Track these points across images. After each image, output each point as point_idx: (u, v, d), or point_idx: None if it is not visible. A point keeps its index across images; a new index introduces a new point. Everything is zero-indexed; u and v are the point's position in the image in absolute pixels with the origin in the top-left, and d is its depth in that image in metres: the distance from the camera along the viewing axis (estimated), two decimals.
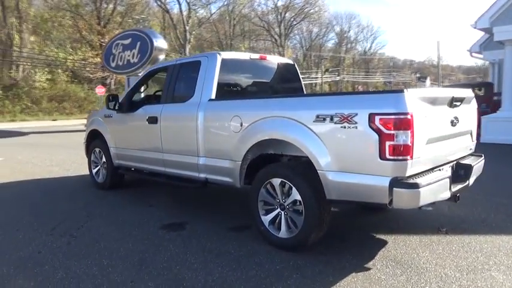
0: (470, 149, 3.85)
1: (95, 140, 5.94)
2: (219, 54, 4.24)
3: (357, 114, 2.87)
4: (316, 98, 3.54)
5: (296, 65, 5.21)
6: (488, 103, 12.27)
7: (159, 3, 43.76)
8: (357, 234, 3.87)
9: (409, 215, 4.42)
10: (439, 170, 3.20)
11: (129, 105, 5.14)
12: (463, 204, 4.83)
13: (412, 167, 2.81)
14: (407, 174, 2.79)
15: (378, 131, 2.77)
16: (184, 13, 43.01)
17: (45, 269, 3.17)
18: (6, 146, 12.24)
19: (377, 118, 2.77)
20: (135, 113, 4.99)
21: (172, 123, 4.50)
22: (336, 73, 59.10)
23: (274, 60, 4.99)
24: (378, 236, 3.80)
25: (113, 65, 16.67)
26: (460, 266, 3.13)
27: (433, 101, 2.98)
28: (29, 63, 33.25)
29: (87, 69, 35.75)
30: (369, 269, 3.10)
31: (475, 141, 3.93)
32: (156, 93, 5.41)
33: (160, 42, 15.55)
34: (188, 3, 43.14)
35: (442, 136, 3.16)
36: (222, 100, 4.04)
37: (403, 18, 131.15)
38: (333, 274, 3.01)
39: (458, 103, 3.29)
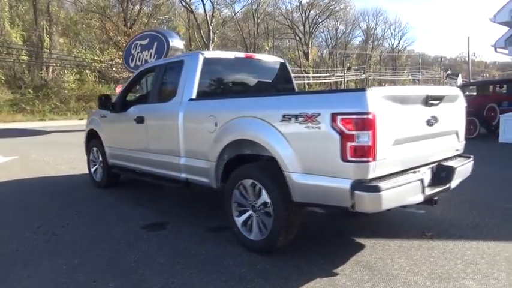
0: (457, 149, 3.65)
1: (93, 140, 6.05)
2: (201, 53, 4.21)
3: (319, 114, 2.77)
4: (282, 97, 3.44)
5: (287, 64, 5.11)
6: (511, 101, 11.70)
7: (183, 3, 44.32)
8: (336, 238, 3.75)
9: (397, 218, 4.25)
10: (414, 172, 3.05)
11: (122, 105, 5.20)
12: (459, 207, 4.64)
13: (376, 169, 2.68)
14: (370, 177, 2.66)
15: (339, 131, 2.66)
16: (209, 13, 43.36)
17: (16, 267, 3.24)
18: (25, 144, 12.70)
19: (338, 118, 2.66)
20: (125, 113, 5.04)
21: (156, 122, 4.51)
22: (362, 71, 57.97)
23: (263, 59, 4.91)
24: (358, 239, 3.67)
25: (132, 65, 17.05)
26: (434, 273, 2.97)
27: (402, 100, 2.83)
28: (58, 65, 34.42)
29: (114, 69, 36.67)
30: (336, 274, 2.99)
31: (463, 142, 3.72)
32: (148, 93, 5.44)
33: (176, 42, 15.77)
34: (212, 3, 43.52)
35: (415, 136, 3.00)
36: (200, 100, 4.01)
37: (433, 13, 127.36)
38: (297, 279, 2.92)
39: (435, 102, 3.12)
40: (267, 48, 51.95)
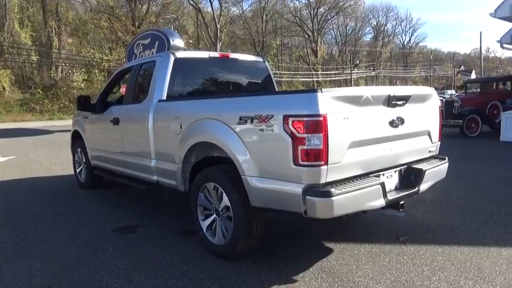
0: (430, 151, 3.51)
1: (78, 140, 6.03)
2: (172, 53, 4.14)
3: (272, 116, 2.68)
4: (239, 98, 3.34)
5: (267, 63, 5.01)
6: None
7: (191, 2, 44.36)
8: (306, 242, 3.65)
9: (373, 221, 4.13)
10: (377, 175, 2.94)
11: (101, 106, 5.16)
12: (443, 209, 4.51)
13: (330, 174, 2.58)
14: (324, 181, 2.56)
15: (291, 134, 2.56)
16: (216, 12, 43.32)
17: None
18: (26, 144, 12.82)
19: (290, 120, 2.56)
20: (104, 114, 5.00)
21: (130, 124, 4.46)
22: (371, 68, 57.35)
23: (240, 58, 4.82)
24: (328, 244, 3.56)
25: None
26: (397, 281, 2.85)
27: (359, 101, 2.71)
28: (67, 64, 34.80)
29: None
30: (295, 281, 2.90)
31: (437, 143, 3.58)
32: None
33: (177, 41, 15.54)
34: (220, 2, 43.46)
35: (377, 138, 2.88)
36: (168, 101, 3.94)
37: (445, 7, 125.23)
38: (254, 285, 2.84)
39: (400, 102, 2.99)
40: (275, 46, 51.72)
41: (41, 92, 32.20)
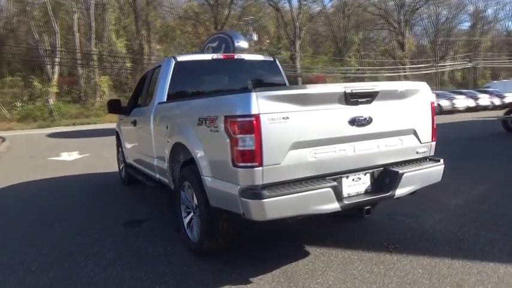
0: (418, 152, 3.18)
1: (119, 140, 6.59)
2: (174, 58, 4.34)
3: (217, 118, 2.70)
4: (199, 100, 3.36)
5: (277, 62, 4.96)
6: None
7: (271, 3, 44.96)
8: (285, 245, 3.55)
9: (372, 225, 3.88)
10: (337, 178, 2.78)
11: (128, 108, 5.58)
12: (461, 217, 4.08)
13: (268, 175, 2.51)
14: (259, 183, 2.50)
15: (229, 135, 2.56)
16: (296, 10, 43.30)
17: None
18: (104, 143, 14.19)
19: (228, 121, 2.56)
20: (129, 116, 5.41)
21: (141, 125, 4.77)
22: (468, 59, 52.20)
23: (247, 58, 4.84)
24: (308, 247, 3.44)
25: None
26: None
27: (302, 100, 2.58)
28: None
29: None
30: (250, 282, 2.88)
31: (429, 143, 3.23)
32: None
33: (241, 43, 15.99)
34: (299, 0, 43.37)
35: (332, 139, 2.71)
36: (163, 103, 4.14)
37: None
38: (207, 283, 2.89)
39: (363, 99, 2.77)
40: (357, 41, 49.87)
41: None
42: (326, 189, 2.61)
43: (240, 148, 2.49)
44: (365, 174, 2.93)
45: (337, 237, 3.64)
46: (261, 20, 48.35)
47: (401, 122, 3.04)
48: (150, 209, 4.99)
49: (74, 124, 28.35)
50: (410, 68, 49.54)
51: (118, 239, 3.94)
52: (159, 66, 4.57)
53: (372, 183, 2.96)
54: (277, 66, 4.93)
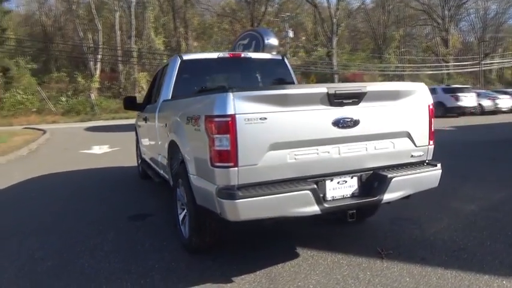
0: (413, 155, 3.05)
1: (137, 136, 6.79)
2: (179, 57, 4.40)
3: (199, 117, 2.72)
4: (188, 99, 3.37)
5: (286, 60, 4.91)
6: None
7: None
8: (277, 245, 3.53)
9: (371, 230, 3.77)
10: (320, 180, 2.72)
11: (143, 105, 5.73)
12: (471, 225, 3.90)
13: (244, 176, 2.51)
14: (235, 183, 2.50)
15: (208, 135, 2.58)
16: (334, 6, 42.57)
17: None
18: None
19: (207, 121, 2.58)
20: (142, 112, 5.56)
21: (150, 122, 4.88)
22: None
23: (254, 57, 4.83)
24: (299, 249, 3.39)
25: None
26: None
27: (281, 101, 2.55)
28: None
29: None
30: (230, 281, 2.89)
31: (426, 146, 3.08)
32: None
33: (271, 40, 15.97)
34: None
35: (314, 140, 2.66)
36: (167, 101, 4.21)
37: None
38: (190, 280, 2.93)
39: (348, 100, 2.69)
40: (397, 37, 48.28)
41: None
42: (304, 192, 2.56)
43: (217, 148, 2.50)
44: (352, 178, 2.85)
45: (331, 240, 3.57)
46: (298, 16, 47.96)
47: (393, 124, 2.92)
48: (157, 204, 5.10)
49: (113, 118, 29.44)
50: (454, 66, 47.39)
51: (120, 232, 4.07)
52: (167, 64, 4.66)
53: (359, 186, 2.88)
54: (286, 64, 4.88)
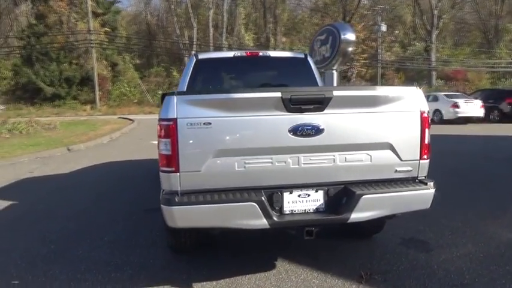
0: (398, 171, 2.65)
1: None
2: (195, 56, 4.44)
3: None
4: None
5: (309, 58, 4.62)
6: None
7: None
8: (259, 255, 3.37)
9: (365, 249, 3.40)
10: (275, 192, 2.53)
11: None
12: (483, 252, 3.25)
13: (187, 182, 2.44)
14: (177, 189, 2.45)
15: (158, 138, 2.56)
16: None
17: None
18: None
19: (158, 124, 2.56)
20: None
21: None
22: None
23: (274, 55, 4.63)
24: (279, 262, 3.20)
25: (314, 60, 17.64)
26: None
27: (229, 106, 2.39)
28: None
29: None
30: (190, 287, 2.85)
31: (417, 161, 2.65)
32: None
33: (348, 35, 15.24)
34: None
35: (266, 148, 2.46)
36: None
37: None
38: (156, 281, 2.95)
39: (309, 106, 2.43)
40: None
41: None
42: (248, 203, 2.40)
43: (161, 152, 2.48)
44: (316, 191, 2.58)
45: (318, 256, 3.29)
46: (396, 9, 45.03)
47: (369, 134, 2.57)
48: None
49: None
50: None
51: (128, 223, 4.27)
52: (188, 62, 4.73)
53: (325, 201, 2.60)
54: (309, 63, 4.61)
